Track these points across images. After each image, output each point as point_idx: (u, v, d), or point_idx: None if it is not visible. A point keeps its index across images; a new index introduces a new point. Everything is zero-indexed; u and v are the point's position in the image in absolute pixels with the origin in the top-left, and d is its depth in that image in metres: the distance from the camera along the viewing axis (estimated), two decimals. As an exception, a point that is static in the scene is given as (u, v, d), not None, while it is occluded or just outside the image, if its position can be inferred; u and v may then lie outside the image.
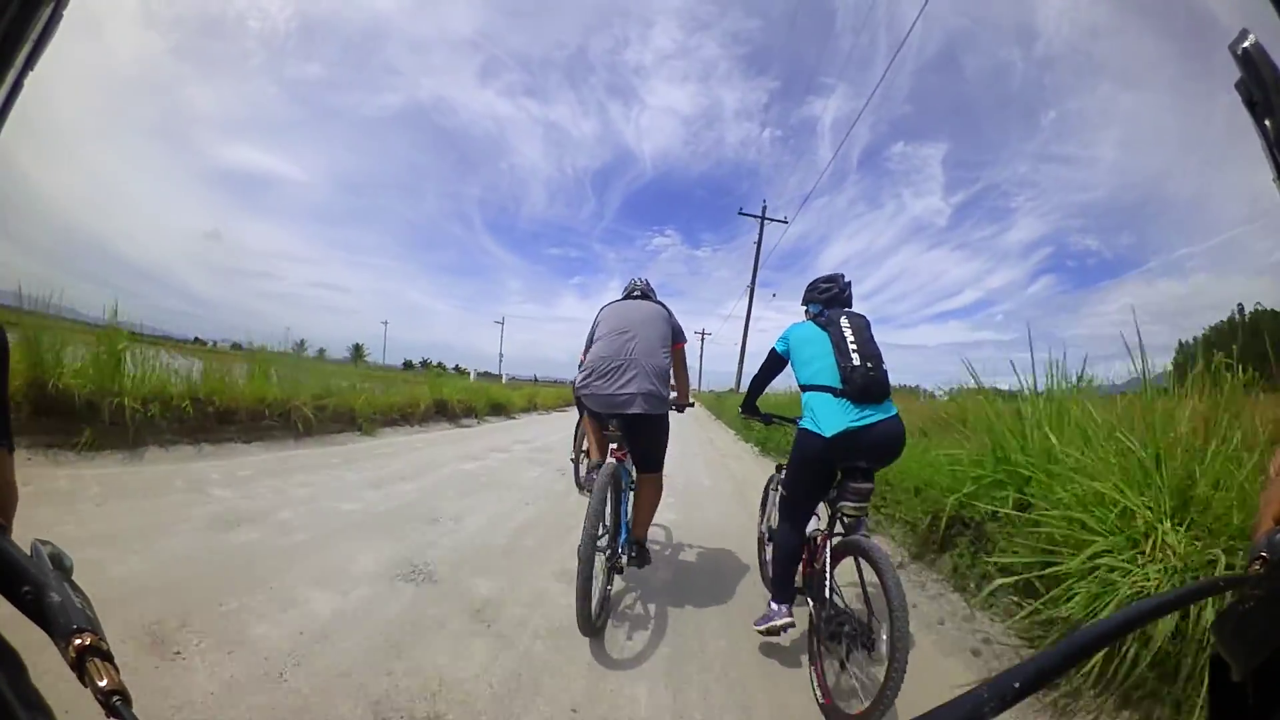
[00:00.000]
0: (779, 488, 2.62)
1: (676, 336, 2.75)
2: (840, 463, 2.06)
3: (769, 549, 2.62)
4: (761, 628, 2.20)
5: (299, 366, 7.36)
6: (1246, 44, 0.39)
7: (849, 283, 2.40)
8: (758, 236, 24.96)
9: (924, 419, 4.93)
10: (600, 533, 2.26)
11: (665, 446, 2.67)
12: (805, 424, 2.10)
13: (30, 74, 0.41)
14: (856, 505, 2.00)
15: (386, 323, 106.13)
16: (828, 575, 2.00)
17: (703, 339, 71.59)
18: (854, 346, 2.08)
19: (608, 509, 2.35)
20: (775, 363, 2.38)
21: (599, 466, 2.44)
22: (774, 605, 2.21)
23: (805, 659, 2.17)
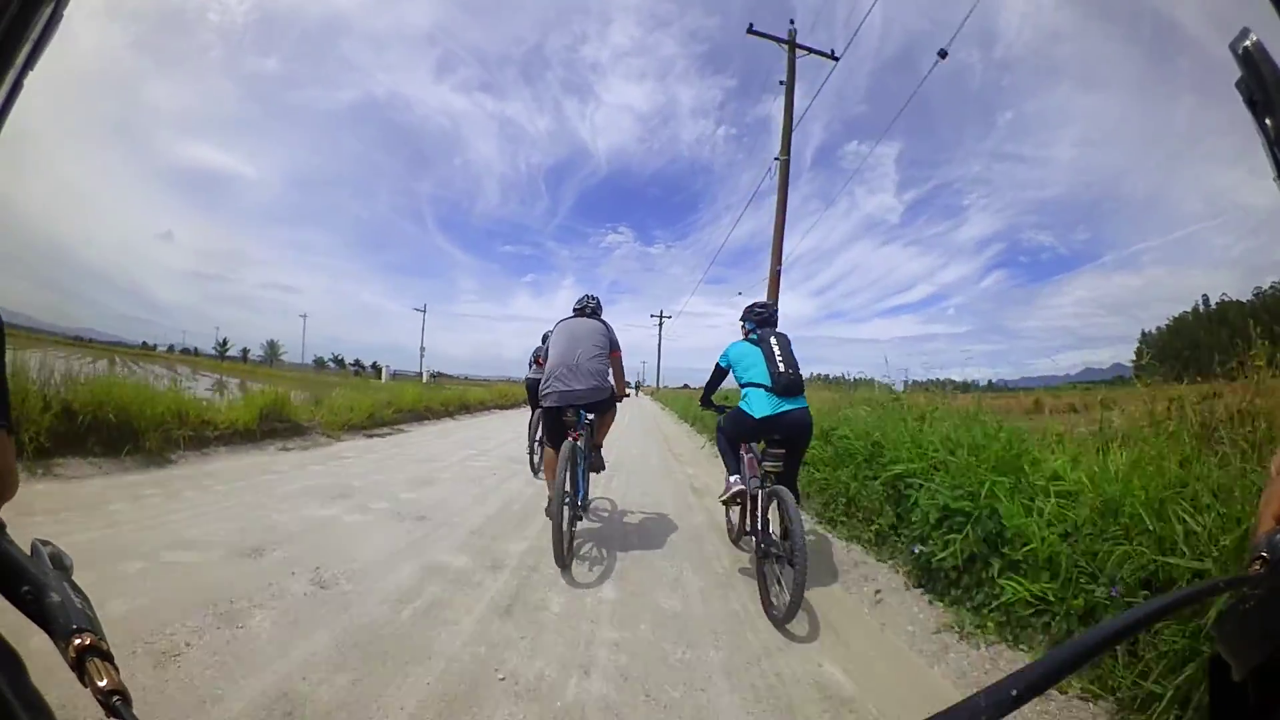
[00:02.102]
0: (719, 431, 3.42)
1: (613, 347, 3.64)
2: (764, 436, 3.05)
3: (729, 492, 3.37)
4: (724, 495, 3.19)
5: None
6: (1247, 43, 0.39)
7: (776, 309, 3.38)
8: (786, 75, 10.96)
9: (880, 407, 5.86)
10: (565, 498, 3.08)
11: (615, 406, 3.72)
12: (743, 405, 3.09)
13: (30, 74, 0.41)
14: (774, 464, 2.87)
15: (305, 316, 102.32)
16: (760, 516, 2.88)
17: (661, 322, 63.48)
18: (780, 358, 3.00)
19: (567, 477, 3.10)
20: (720, 373, 3.39)
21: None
22: (729, 479, 3.16)
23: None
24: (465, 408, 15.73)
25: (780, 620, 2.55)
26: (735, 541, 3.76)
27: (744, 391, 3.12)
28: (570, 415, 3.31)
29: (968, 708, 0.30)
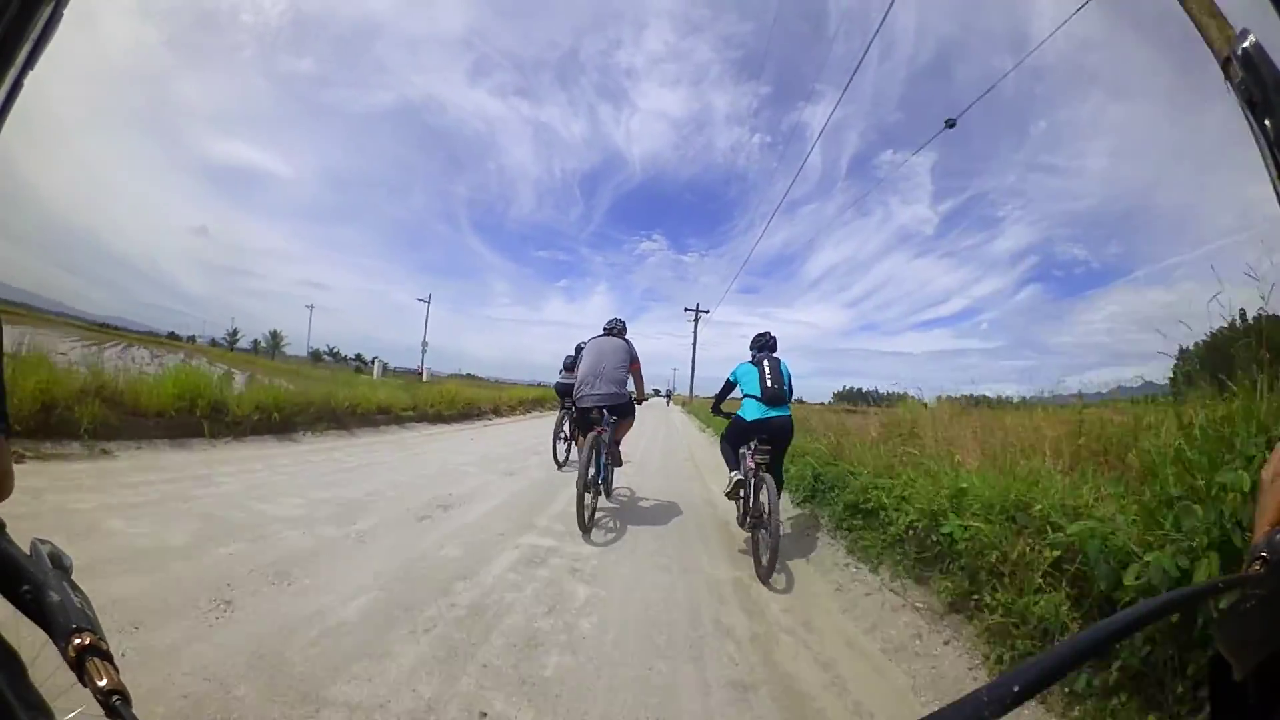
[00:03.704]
0: (723, 439, 4.34)
1: (633, 360, 4.71)
2: (753, 436, 3.87)
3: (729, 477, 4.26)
4: (728, 489, 4.05)
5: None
6: (1246, 44, 0.39)
7: (774, 337, 4.33)
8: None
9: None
10: (589, 476, 4.00)
11: (634, 411, 4.81)
12: (739, 414, 4.07)
13: (30, 73, 0.40)
14: (762, 458, 3.68)
15: (312, 306, 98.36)
16: (750, 494, 3.78)
17: (696, 317, 51.19)
18: (769, 376, 3.96)
19: (591, 461, 4.04)
20: (729, 386, 4.33)
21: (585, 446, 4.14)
22: (731, 474, 4.09)
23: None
24: (306, 418, 7.72)
25: (763, 577, 3.27)
26: (742, 525, 4.28)
27: (743, 402, 4.09)
28: (595, 414, 4.36)
29: (971, 702, 0.30)
